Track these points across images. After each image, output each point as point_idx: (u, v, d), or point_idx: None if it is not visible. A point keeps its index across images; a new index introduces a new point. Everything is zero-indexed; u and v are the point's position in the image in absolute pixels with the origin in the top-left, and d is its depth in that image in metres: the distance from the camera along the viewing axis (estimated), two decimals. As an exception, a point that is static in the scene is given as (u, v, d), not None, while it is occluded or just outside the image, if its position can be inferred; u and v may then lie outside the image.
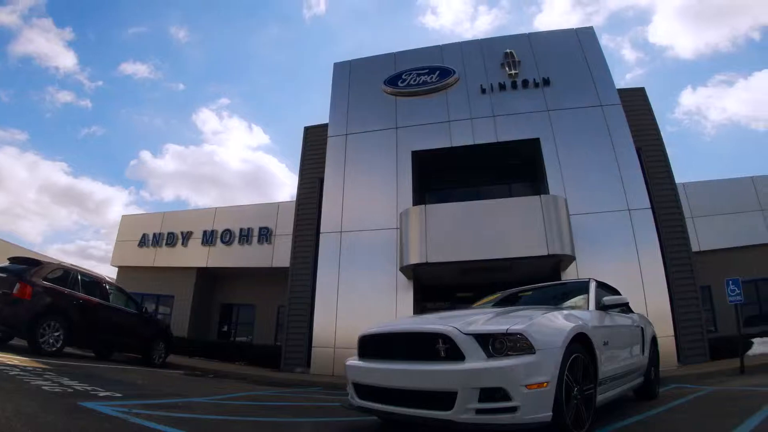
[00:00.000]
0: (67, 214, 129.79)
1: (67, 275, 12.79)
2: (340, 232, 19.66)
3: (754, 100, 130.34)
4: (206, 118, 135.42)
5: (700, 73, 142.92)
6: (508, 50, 21.43)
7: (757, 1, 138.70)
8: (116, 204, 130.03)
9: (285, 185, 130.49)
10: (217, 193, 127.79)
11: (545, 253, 15.90)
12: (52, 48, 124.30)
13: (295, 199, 23.09)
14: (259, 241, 26.06)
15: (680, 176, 17.92)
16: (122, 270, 29.02)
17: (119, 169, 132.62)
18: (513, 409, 4.30)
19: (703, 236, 21.32)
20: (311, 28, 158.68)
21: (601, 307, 6.65)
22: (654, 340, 8.82)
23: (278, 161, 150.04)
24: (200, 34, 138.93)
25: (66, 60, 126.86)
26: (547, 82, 20.40)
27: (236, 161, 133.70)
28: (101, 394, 6.69)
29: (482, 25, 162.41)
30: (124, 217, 30.91)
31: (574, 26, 24.50)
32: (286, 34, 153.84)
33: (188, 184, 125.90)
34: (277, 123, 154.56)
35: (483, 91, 20.88)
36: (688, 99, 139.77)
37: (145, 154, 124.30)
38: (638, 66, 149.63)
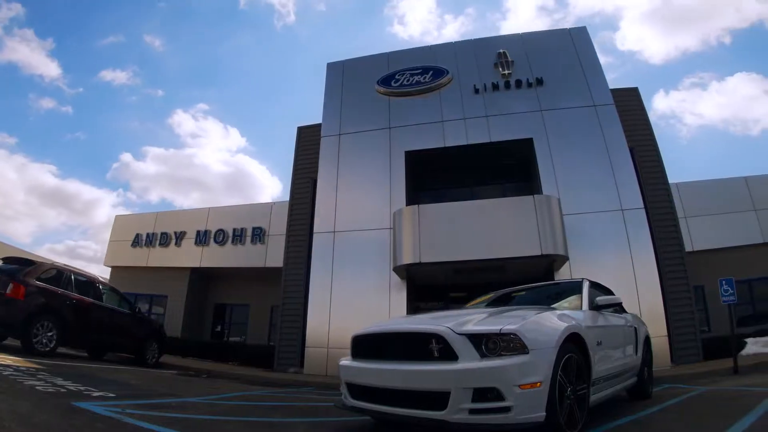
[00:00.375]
0: (55, 215, 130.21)
1: (61, 275, 12.76)
2: (334, 232, 19.66)
3: (730, 103, 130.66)
4: (186, 123, 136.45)
5: (672, 77, 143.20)
6: (501, 50, 21.48)
7: (726, 6, 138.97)
8: (103, 205, 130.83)
9: (266, 186, 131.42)
10: (199, 195, 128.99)
11: (538, 253, 15.92)
12: (35, 57, 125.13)
13: (284, 199, 23.16)
14: (252, 241, 25.98)
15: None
16: (115, 270, 28.91)
17: (105, 172, 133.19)
18: (506, 409, 4.30)
19: (697, 236, 21.32)
20: (282, 37, 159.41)
21: (595, 307, 6.66)
22: (647, 340, 8.83)
23: (258, 163, 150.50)
24: (175, 44, 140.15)
25: (49, 69, 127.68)
26: (540, 82, 20.45)
27: (217, 163, 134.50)
28: (94, 394, 6.69)
29: (449, 33, 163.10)
30: (117, 217, 30.78)
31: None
32: (259, 43, 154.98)
33: (171, 185, 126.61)
34: (255, 126, 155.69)
35: (476, 91, 20.92)
36: (662, 103, 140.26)
37: (128, 157, 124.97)
38: (608, 70, 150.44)
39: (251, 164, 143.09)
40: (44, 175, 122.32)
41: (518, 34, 22.64)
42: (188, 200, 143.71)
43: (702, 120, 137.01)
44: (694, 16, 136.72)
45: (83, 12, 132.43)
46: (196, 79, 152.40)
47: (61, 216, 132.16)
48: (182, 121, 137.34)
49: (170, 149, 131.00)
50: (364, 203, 19.92)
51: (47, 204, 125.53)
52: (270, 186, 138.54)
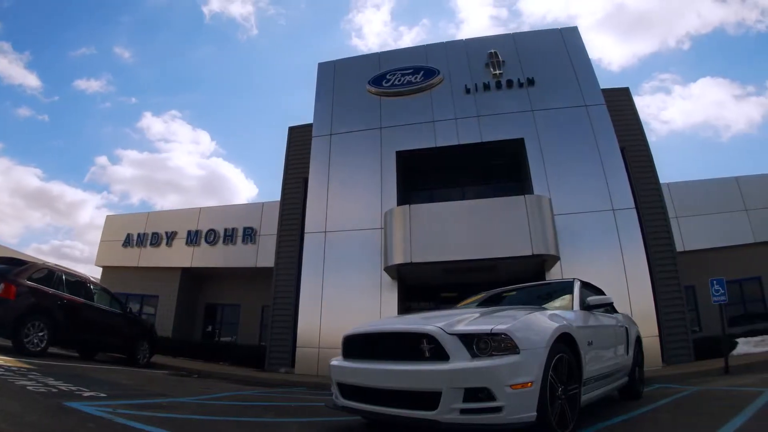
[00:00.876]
0: (40, 216, 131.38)
1: (52, 275, 12.71)
2: (325, 232, 19.65)
3: (698, 108, 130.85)
4: (160, 129, 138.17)
5: (633, 83, 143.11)
6: (492, 50, 21.49)
7: (685, 10, 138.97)
8: (86, 207, 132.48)
9: (241, 189, 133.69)
10: (177, 198, 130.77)
11: (529, 253, 15.93)
12: (15, 69, 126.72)
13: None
14: (243, 241, 25.93)
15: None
16: (106, 270, 28.84)
17: (86, 176, 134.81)
18: (497, 409, 4.30)
19: (688, 236, 21.35)
20: (248, 48, 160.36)
21: (586, 307, 6.67)
22: (638, 340, 8.85)
23: (234, 166, 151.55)
24: (144, 55, 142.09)
25: (29, 80, 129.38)
26: (531, 81, 20.47)
27: (192, 167, 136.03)
28: (85, 394, 6.67)
29: (406, 44, 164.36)
30: (108, 217, 30.67)
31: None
32: (225, 54, 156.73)
33: (149, 188, 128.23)
34: (227, 132, 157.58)
35: (467, 91, 20.94)
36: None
37: (106, 161, 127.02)
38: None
39: (226, 167, 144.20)
40: (29, 177, 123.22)
41: (509, 34, 22.67)
42: (166, 202, 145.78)
43: (671, 126, 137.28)
44: (651, 21, 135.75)
45: (56, 26, 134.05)
46: (167, 87, 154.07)
47: (46, 217, 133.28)
48: (156, 126, 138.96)
49: (145, 152, 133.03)
50: (356, 203, 19.92)
51: (32, 206, 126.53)
52: (245, 189, 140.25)
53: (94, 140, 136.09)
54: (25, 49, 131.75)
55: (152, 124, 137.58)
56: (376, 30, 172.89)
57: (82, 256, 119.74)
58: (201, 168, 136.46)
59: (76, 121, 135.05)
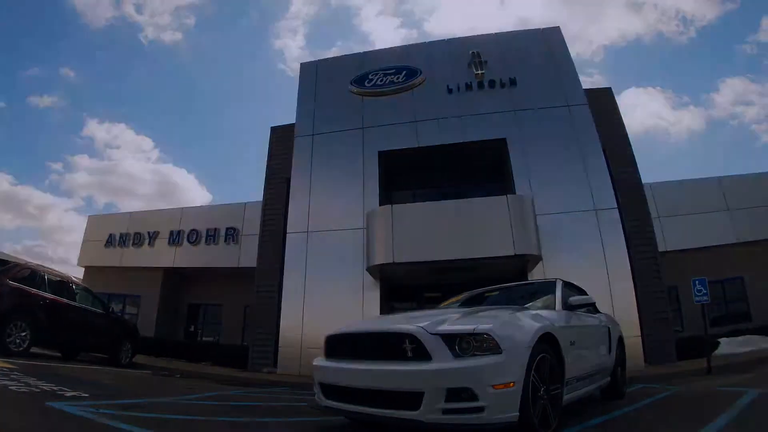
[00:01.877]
0: (11, 219, 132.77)
1: (34, 275, 12.67)
2: (307, 232, 19.60)
3: (636, 118, 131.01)
4: (112, 140, 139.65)
5: None
6: (474, 50, 21.48)
7: (593, 23, 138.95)
8: (56, 210, 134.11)
9: (190, 191, 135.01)
10: (136, 203, 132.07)
11: (512, 253, 15.99)
12: None
13: (259, 199, 22.97)
14: (225, 241, 25.89)
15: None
16: (89, 270, 28.71)
17: (54, 182, 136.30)
18: (480, 409, 4.31)
19: (670, 236, 21.35)
20: (184, 70, 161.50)
21: (568, 307, 6.68)
22: (621, 340, 8.86)
23: (187, 171, 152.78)
24: (90, 75, 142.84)
25: None
26: (513, 82, 20.48)
27: (147, 173, 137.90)
28: (68, 394, 6.64)
29: None
30: (90, 217, 30.52)
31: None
32: (164, 74, 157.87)
33: (109, 193, 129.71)
34: (174, 139, 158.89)
35: (449, 91, 20.93)
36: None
37: (67, 168, 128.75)
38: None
39: (168, 169, 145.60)
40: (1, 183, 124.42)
41: (492, 33, 22.70)
42: (130, 207, 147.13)
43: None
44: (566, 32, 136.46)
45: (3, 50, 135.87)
46: (116, 102, 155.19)
47: (16, 220, 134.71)
48: (111, 139, 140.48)
49: (95, 159, 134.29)
50: (338, 203, 19.88)
51: (2, 208, 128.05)
52: (193, 190, 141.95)
53: (50, 149, 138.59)
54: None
55: (97, 132, 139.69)
56: (294, 55, 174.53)
57: (55, 256, 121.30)
58: (155, 174, 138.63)
59: (39, 132, 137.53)
